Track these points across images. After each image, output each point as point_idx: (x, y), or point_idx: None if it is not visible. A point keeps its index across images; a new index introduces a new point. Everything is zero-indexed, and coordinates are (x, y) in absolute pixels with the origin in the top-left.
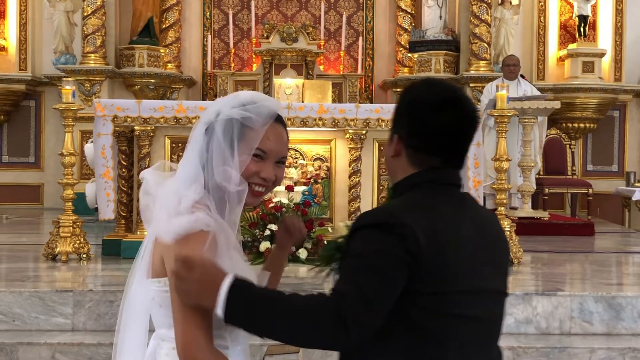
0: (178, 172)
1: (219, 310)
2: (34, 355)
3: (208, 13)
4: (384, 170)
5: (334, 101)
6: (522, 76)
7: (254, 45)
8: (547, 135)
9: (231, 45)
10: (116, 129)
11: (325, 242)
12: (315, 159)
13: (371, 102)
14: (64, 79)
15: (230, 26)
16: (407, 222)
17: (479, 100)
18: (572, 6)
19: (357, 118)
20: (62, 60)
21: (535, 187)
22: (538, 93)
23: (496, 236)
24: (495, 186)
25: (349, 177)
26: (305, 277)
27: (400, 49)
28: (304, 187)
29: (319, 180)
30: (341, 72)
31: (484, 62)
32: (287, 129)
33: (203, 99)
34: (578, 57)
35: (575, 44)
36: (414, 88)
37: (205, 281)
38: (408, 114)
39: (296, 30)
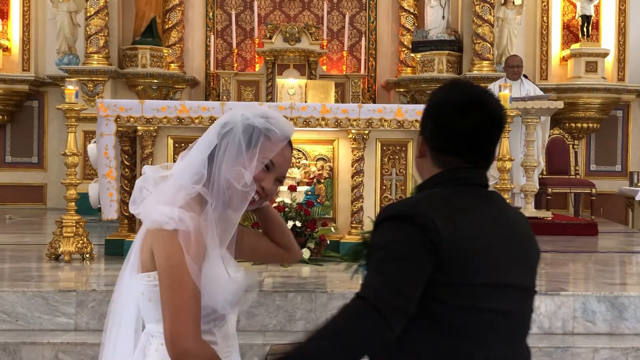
0: (182, 164)
1: None
2: (37, 355)
3: (211, 13)
4: (386, 170)
5: (336, 101)
6: (525, 76)
7: (256, 46)
8: (550, 135)
9: (234, 45)
10: (119, 129)
11: (328, 242)
12: (318, 159)
13: (374, 102)
14: (67, 79)
15: (233, 26)
16: (427, 213)
17: None
18: (575, 6)
19: (359, 118)
20: (65, 61)
21: (538, 187)
22: (541, 93)
23: (524, 235)
24: (498, 186)
25: (352, 177)
26: (308, 277)
27: (403, 49)
28: (306, 187)
29: (322, 180)
30: (344, 72)
31: (487, 62)
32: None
33: (206, 99)
34: (581, 57)
35: (578, 44)
36: (440, 90)
37: None
38: (431, 116)
39: (299, 30)
